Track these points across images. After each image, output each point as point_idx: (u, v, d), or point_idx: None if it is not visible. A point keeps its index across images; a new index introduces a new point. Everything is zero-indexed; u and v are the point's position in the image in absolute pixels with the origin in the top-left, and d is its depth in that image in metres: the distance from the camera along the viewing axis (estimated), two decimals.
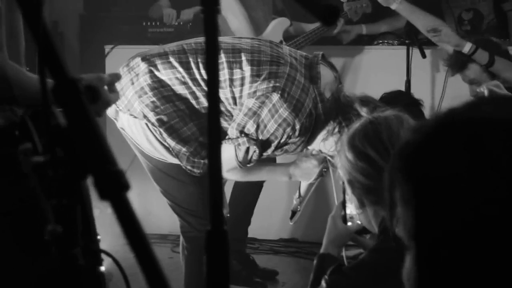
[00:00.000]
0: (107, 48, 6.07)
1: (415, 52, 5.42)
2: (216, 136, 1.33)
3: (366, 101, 3.61)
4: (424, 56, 5.41)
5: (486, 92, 3.26)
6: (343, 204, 2.53)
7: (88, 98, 1.01)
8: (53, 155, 1.10)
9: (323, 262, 2.48)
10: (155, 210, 5.38)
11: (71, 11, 6.61)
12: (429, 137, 1.12)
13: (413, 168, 1.12)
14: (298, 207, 4.08)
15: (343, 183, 2.51)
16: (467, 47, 4.67)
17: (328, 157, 3.70)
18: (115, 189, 0.94)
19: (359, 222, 2.50)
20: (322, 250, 2.56)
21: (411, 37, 5.54)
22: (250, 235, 5.25)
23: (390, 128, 2.34)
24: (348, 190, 2.42)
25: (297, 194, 4.07)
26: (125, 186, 0.94)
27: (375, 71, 5.69)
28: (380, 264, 2.22)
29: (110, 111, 3.64)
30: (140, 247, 0.95)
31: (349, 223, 2.51)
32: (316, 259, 2.54)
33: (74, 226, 1.13)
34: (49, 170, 1.11)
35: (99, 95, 1.13)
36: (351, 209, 2.50)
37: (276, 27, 5.03)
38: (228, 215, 4.04)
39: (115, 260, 1.67)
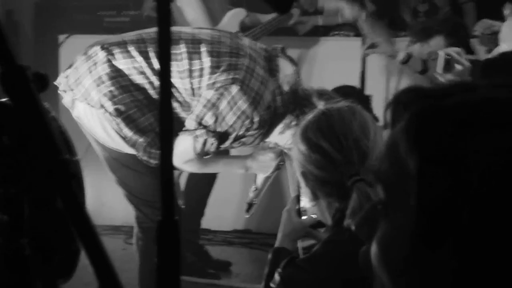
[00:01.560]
0: (62, 37, 6.05)
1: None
2: (167, 125, 1.33)
3: (324, 94, 3.61)
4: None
5: (441, 57, 3.22)
6: (298, 198, 2.53)
7: (37, 86, 1.00)
8: None
9: (278, 256, 2.47)
10: (108, 201, 5.37)
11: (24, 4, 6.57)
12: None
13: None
14: (255, 199, 4.08)
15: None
16: (400, 56, 4.68)
17: (285, 150, 3.71)
18: (62, 178, 0.93)
19: (313, 216, 2.49)
20: (277, 244, 2.55)
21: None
22: (203, 226, 5.29)
23: (343, 120, 2.33)
24: (302, 183, 2.41)
25: (253, 186, 4.07)
26: (70, 175, 0.94)
27: (331, 62, 5.72)
28: (334, 256, 2.22)
29: (66, 100, 3.63)
30: (87, 237, 0.94)
31: (305, 217, 2.51)
32: (271, 253, 2.53)
33: (21, 216, 1.12)
34: None
35: (48, 83, 1.11)
36: (306, 202, 2.49)
37: (232, 18, 5.03)
38: (183, 206, 4.05)
39: None
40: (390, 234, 1.11)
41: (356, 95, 4.87)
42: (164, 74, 1.32)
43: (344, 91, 4.35)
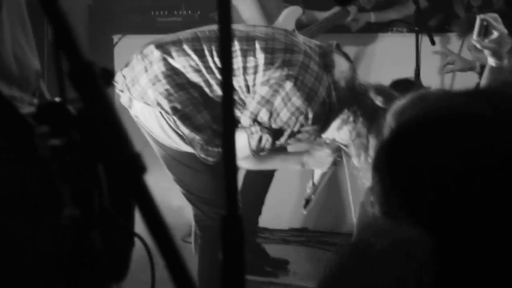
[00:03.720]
0: (116, 38, 6.11)
1: (425, 39, 5.41)
2: (230, 122, 1.33)
3: (381, 89, 3.61)
4: (433, 43, 5.39)
5: (478, 22, 3.18)
6: (372, 190, 2.50)
7: (104, 81, 1.01)
8: (69, 139, 1.10)
9: None
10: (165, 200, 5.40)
11: (80, 2, 6.62)
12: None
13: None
14: (312, 195, 4.09)
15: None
16: (478, 68, 4.65)
17: (342, 146, 3.71)
18: (133, 171, 0.94)
19: None
20: (354, 238, 2.54)
21: (420, 24, 5.54)
22: (260, 224, 5.26)
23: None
24: None
25: (310, 182, 4.08)
26: (142, 168, 0.94)
27: (385, 58, 5.70)
28: None
29: (123, 99, 3.66)
30: (157, 229, 0.94)
31: None
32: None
33: (91, 210, 1.13)
34: (67, 154, 1.11)
35: (113, 77, 1.12)
36: None
37: (288, 16, 5.02)
38: (240, 205, 4.04)
39: (144, 243, 1.68)
40: None
41: (415, 87, 4.83)
42: (225, 72, 1.33)
43: (404, 85, 4.32)
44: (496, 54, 3.15)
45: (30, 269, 1.89)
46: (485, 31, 3.17)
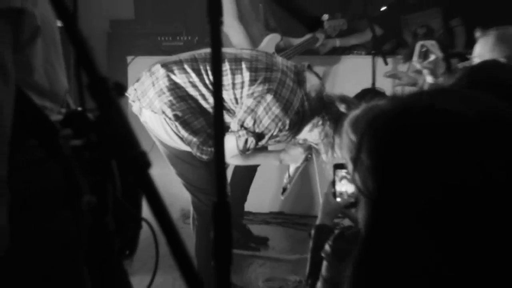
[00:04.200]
0: (129, 58, 6.09)
1: (380, 61, 5.43)
2: (220, 128, 1.33)
3: (344, 99, 3.62)
4: (386, 63, 5.43)
5: (417, 47, 3.19)
6: (333, 184, 2.50)
7: (116, 92, 1.01)
8: (88, 140, 1.10)
9: (321, 231, 2.45)
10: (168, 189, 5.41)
11: (99, 29, 6.61)
12: (398, 118, 1.14)
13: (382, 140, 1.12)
14: (288, 185, 4.11)
15: (336, 165, 2.47)
16: (420, 83, 4.65)
17: (313, 145, 3.72)
18: (140, 166, 0.93)
19: (346, 197, 2.45)
20: (318, 222, 2.53)
21: (376, 48, 5.56)
22: (246, 209, 5.26)
23: None
24: (350, 167, 2.37)
25: (287, 175, 4.10)
26: (148, 164, 0.94)
27: (348, 77, 5.68)
28: None
29: (134, 108, 3.67)
30: (161, 214, 0.94)
31: (338, 199, 2.47)
32: (314, 229, 2.50)
33: (106, 198, 1.13)
34: (86, 152, 1.11)
35: (125, 90, 1.12)
36: (340, 187, 2.46)
37: (270, 41, 5.02)
38: (229, 193, 4.06)
39: (150, 225, 1.68)
40: None
41: (374, 92, 4.85)
42: (217, 86, 1.33)
43: (371, 93, 4.32)
44: (433, 73, 3.17)
45: (56, 248, 1.87)
46: (424, 54, 3.19)
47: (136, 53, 6.10)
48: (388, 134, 1.12)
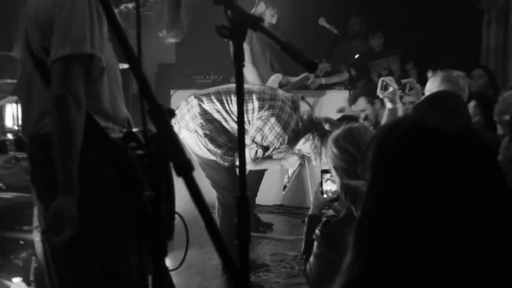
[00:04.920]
0: (172, 91, 6.10)
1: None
2: (242, 143, 1.34)
3: (328, 120, 3.66)
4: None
5: (380, 82, 3.20)
6: (321, 184, 2.49)
7: (168, 115, 1.01)
8: (148, 150, 1.10)
9: (312, 220, 2.44)
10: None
11: (150, 71, 6.66)
12: (401, 138, 1.08)
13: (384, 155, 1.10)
14: (287, 184, 4.10)
15: (323, 170, 2.47)
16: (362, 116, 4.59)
17: (306, 154, 3.71)
18: (186, 170, 0.93)
19: (330, 194, 2.44)
20: (310, 212, 2.51)
21: (351, 85, 5.57)
22: (256, 202, 5.23)
23: (360, 133, 2.30)
24: (333, 172, 2.35)
25: (286, 176, 4.10)
26: (192, 168, 0.93)
27: (331, 105, 5.66)
28: (353, 218, 2.16)
29: (175, 128, 3.66)
30: (202, 205, 0.93)
31: (325, 195, 2.45)
32: (307, 218, 2.49)
33: (160, 193, 1.13)
34: (146, 159, 1.11)
35: (174, 114, 1.12)
36: (325, 186, 2.44)
37: (274, 79, 5.02)
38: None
39: (181, 217, 1.67)
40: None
41: (354, 120, 4.83)
42: (240, 112, 1.33)
43: (348, 118, 4.30)
44: (392, 101, 3.16)
45: (110, 230, 1.86)
46: (385, 87, 3.18)
47: (176, 88, 6.12)
48: (381, 149, 1.10)
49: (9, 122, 4.16)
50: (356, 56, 6.24)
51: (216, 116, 3.59)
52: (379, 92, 3.20)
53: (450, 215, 0.98)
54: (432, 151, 1.02)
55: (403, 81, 3.57)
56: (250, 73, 4.79)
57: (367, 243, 1.03)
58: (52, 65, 1.75)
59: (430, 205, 0.99)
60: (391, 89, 3.16)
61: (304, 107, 3.73)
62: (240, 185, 1.34)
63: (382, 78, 3.23)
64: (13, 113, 4.10)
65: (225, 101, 3.60)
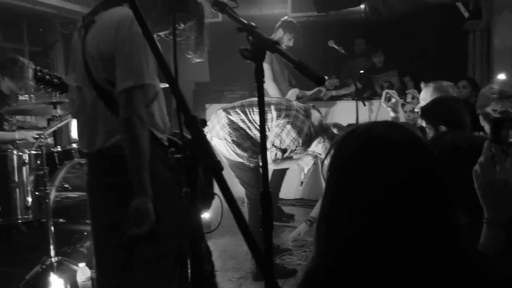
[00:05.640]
0: (207, 105, 6.12)
1: (360, 104, 5.39)
2: (264, 146, 1.34)
3: (336, 125, 3.66)
4: (364, 105, 5.40)
5: (384, 94, 3.13)
6: None
7: (201, 125, 1.01)
8: (185, 154, 1.11)
9: None
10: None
11: (189, 88, 6.71)
12: (354, 146, 1.03)
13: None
14: (304, 180, 4.08)
15: None
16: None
17: (318, 154, 3.70)
18: (217, 169, 0.93)
19: None
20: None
21: (358, 96, 5.53)
22: (280, 196, 5.18)
23: None
24: None
25: (303, 173, 4.08)
26: (222, 168, 0.94)
27: (341, 114, 5.64)
28: None
29: (208, 137, 3.67)
30: (231, 199, 0.93)
31: None
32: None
33: (196, 189, 1.13)
34: (183, 161, 1.12)
35: (206, 123, 1.13)
36: None
37: (292, 93, 5.00)
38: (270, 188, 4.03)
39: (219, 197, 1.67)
40: None
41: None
42: (261, 120, 1.33)
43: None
44: (394, 110, 3.13)
45: (170, 221, 1.87)
46: (388, 99, 3.15)
47: (210, 102, 6.14)
48: (335, 154, 1.05)
49: (74, 134, 4.24)
50: (361, 72, 6.21)
51: (241, 125, 3.60)
52: (383, 103, 3.17)
53: (393, 217, 0.91)
54: (376, 156, 0.96)
55: (407, 91, 3.54)
56: (271, 88, 4.79)
57: (322, 239, 0.99)
58: (119, 95, 1.81)
59: (374, 208, 0.92)
60: (393, 100, 3.13)
61: (315, 115, 3.70)
62: (263, 182, 1.35)
63: (386, 91, 3.20)
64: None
65: (248, 113, 3.60)
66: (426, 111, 2.61)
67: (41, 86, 3.19)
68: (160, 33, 2.03)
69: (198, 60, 2.08)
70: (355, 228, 0.92)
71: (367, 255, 0.91)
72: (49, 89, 3.20)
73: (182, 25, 2.01)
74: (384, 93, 3.17)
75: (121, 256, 1.87)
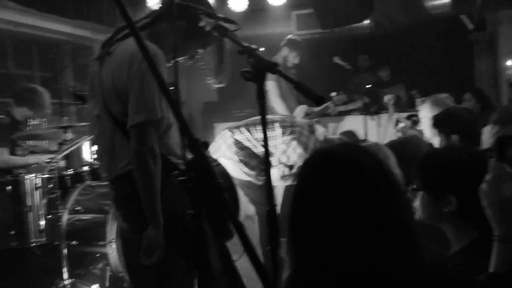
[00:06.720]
0: (215, 124, 6.16)
1: (368, 118, 5.40)
2: (268, 164, 1.36)
3: (341, 140, 3.68)
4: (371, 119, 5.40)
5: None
6: None
7: (203, 148, 1.03)
8: (189, 175, 1.13)
9: None
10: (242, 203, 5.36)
11: (197, 108, 6.77)
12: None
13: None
14: None
15: None
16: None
17: None
18: (219, 191, 0.95)
19: None
20: None
21: (365, 110, 5.54)
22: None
23: (373, 150, 2.29)
24: None
25: None
26: (223, 190, 0.96)
27: (349, 127, 5.63)
28: None
29: (215, 156, 3.68)
30: (234, 218, 0.94)
31: None
32: None
33: (200, 211, 1.15)
34: (187, 183, 1.14)
35: (208, 146, 1.15)
36: None
37: (300, 110, 4.97)
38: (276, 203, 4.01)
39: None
40: None
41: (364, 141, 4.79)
42: (265, 139, 1.36)
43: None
44: (403, 133, 3.17)
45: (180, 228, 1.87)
46: (396, 123, 3.21)
47: (218, 121, 6.18)
48: (305, 168, 1.10)
49: (86, 156, 4.27)
50: (368, 86, 6.22)
51: (247, 144, 3.61)
52: (393, 129, 3.22)
53: (341, 231, 0.97)
54: (321, 172, 1.02)
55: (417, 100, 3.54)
56: (278, 106, 4.80)
57: (290, 250, 1.04)
58: (130, 129, 1.82)
59: (322, 222, 0.98)
60: (402, 124, 3.17)
61: (319, 129, 3.73)
62: (268, 198, 1.37)
63: (396, 118, 3.25)
64: (89, 149, 4.22)
65: (252, 131, 3.63)
66: (439, 120, 2.61)
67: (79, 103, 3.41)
68: (178, 59, 2.02)
69: (218, 86, 2.07)
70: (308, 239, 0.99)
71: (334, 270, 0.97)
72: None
73: (201, 50, 2.01)
74: (394, 120, 3.22)
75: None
